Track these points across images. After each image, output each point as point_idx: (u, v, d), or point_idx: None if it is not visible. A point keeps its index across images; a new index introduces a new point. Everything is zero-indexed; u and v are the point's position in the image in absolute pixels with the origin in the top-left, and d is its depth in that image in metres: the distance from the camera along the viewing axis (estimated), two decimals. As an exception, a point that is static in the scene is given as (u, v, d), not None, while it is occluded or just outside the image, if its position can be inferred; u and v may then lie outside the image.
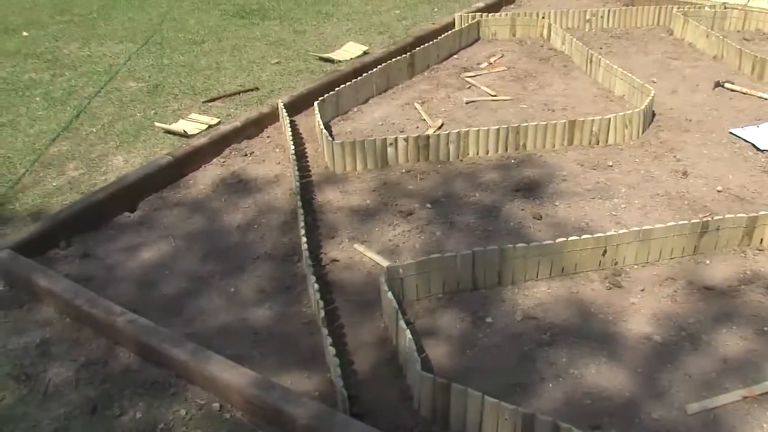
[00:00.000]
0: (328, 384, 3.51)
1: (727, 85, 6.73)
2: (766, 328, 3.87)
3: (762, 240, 4.52)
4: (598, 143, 5.62)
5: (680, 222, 4.32)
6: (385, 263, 4.26)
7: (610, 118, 5.59)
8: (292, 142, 5.44)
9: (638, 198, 4.97)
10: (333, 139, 5.41)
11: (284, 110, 5.88)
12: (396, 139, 5.28)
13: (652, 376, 3.56)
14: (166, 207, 5.03)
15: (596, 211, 4.83)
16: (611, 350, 3.71)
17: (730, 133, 5.87)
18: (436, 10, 8.98)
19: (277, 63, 7.29)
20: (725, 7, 8.51)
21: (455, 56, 7.47)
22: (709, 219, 4.38)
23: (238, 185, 5.24)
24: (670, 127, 5.96)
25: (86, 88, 6.89)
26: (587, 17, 8.25)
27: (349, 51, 7.44)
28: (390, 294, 3.76)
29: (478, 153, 5.45)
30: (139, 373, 3.65)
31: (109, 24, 8.89)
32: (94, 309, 3.86)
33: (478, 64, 7.21)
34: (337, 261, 4.42)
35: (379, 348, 3.76)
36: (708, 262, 4.37)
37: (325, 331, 3.65)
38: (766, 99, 6.49)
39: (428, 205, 4.90)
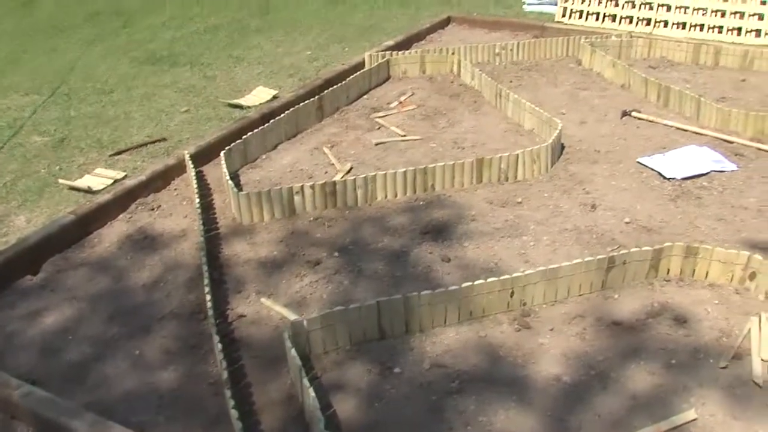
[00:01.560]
0: (234, 448, 3.42)
1: (634, 113, 6.81)
2: (673, 361, 3.89)
3: (669, 271, 4.55)
4: (507, 180, 5.63)
5: (587, 258, 4.33)
6: (292, 316, 4.19)
7: (518, 154, 5.60)
8: (197, 195, 5.35)
9: (547, 234, 4.97)
10: (240, 190, 5.33)
11: (190, 161, 5.79)
12: (302, 187, 5.22)
13: (562, 418, 3.54)
14: (71, 268, 4.88)
15: (505, 250, 4.82)
16: (521, 394, 3.68)
17: (638, 162, 5.93)
18: (347, 49, 8.97)
19: (186, 111, 7.20)
20: (631, 36, 8.66)
21: (365, 96, 7.44)
22: (616, 254, 4.40)
23: (144, 242, 5.12)
24: (579, 159, 6.00)
25: (-12, 144, 6.72)
26: (497, 51, 8.31)
27: (259, 96, 7.38)
28: (294, 351, 3.69)
29: (386, 196, 5.41)
30: (35, 449, 3.52)
31: (16, 73, 8.70)
32: (-11, 383, 3.72)
33: (388, 103, 7.19)
34: (244, 316, 4.33)
35: (287, 405, 3.68)
36: (616, 296, 4.38)
37: (228, 393, 3.56)
38: (671, 126, 6.59)
39: (336, 254, 4.84)
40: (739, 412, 3.56)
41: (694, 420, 3.52)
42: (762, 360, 3.90)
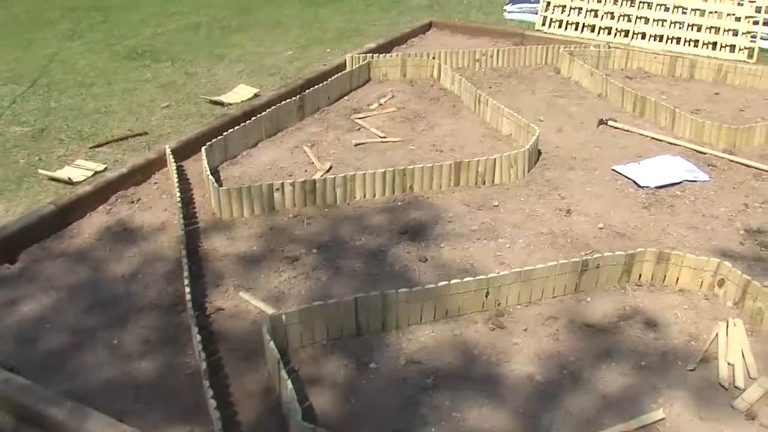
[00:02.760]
0: (211, 437, 3.46)
1: (610, 122, 6.92)
2: (643, 363, 3.98)
3: (640, 276, 4.65)
4: (484, 183, 5.71)
5: (561, 261, 4.41)
6: (270, 311, 4.23)
7: (495, 158, 5.68)
8: (178, 189, 5.38)
9: (522, 237, 5.06)
10: (220, 185, 5.37)
11: (171, 156, 5.81)
12: (282, 185, 5.27)
13: (533, 416, 3.61)
14: (49, 258, 4.89)
15: (481, 251, 4.90)
16: (494, 392, 3.75)
17: (613, 170, 6.03)
18: (328, 50, 9.01)
19: (167, 106, 7.22)
20: (609, 47, 8.78)
21: (346, 98, 7.50)
22: (589, 257, 4.48)
23: (124, 234, 5.14)
24: (555, 165, 6.09)
25: (-33, 134, 6.71)
26: (477, 57, 8.40)
27: (240, 93, 7.41)
28: (272, 343, 3.74)
29: (365, 196, 5.47)
30: (13, 435, 3.54)
31: (-7, 64, 8.68)
32: (-34, 370, 3.73)
33: (369, 105, 7.25)
34: (223, 310, 4.37)
35: (264, 397, 3.72)
36: (589, 299, 4.47)
37: (206, 383, 3.60)
38: (646, 136, 6.70)
39: (314, 251, 4.89)
40: (705, 413, 3.66)
41: (662, 420, 3.61)
42: (728, 363, 3.99)
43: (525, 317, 4.29)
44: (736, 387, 3.85)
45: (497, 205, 5.45)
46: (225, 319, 4.31)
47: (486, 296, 4.26)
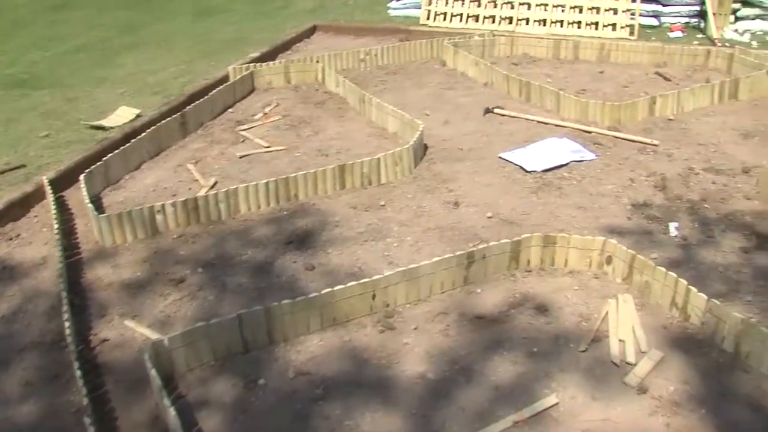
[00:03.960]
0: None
1: (496, 110, 6.94)
2: (535, 349, 3.97)
3: (529, 261, 4.64)
4: (370, 184, 5.65)
5: (447, 256, 4.37)
6: (155, 336, 4.11)
7: (380, 158, 5.63)
8: (56, 221, 5.20)
9: (411, 235, 5.02)
10: (102, 212, 5.22)
11: (49, 187, 5.63)
12: (163, 206, 5.14)
13: (426, 415, 3.57)
14: None
15: (369, 253, 4.84)
16: (386, 395, 3.69)
17: (500, 157, 6.03)
18: (212, 64, 8.86)
19: (47, 136, 6.99)
20: (493, 35, 8.84)
21: (230, 110, 7.37)
22: (475, 249, 4.46)
23: (3, 272, 4.94)
24: (442, 158, 6.08)
25: None
26: (362, 57, 8.36)
27: (121, 116, 7.22)
28: (154, 371, 3.63)
29: (249, 209, 5.36)
30: None
31: None
32: None
33: (253, 115, 7.13)
34: (108, 340, 4.23)
35: (153, 427, 3.60)
36: (479, 291, 4.44)
37: (87, 420, 3.47)
38: (533, 120, 6.74)
39: (200, 270, 4.77)
40: (598, 392, 3.67)
41: (556, 404, 3.59)
42: (619, 340, 4.01)
43: (414, 316, 4.24)
44: (627, 363, 3.87)
45: (384, 205, 5.40)
46: (110, 350, 4.17)
47: (373, 299, 4.20)
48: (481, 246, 4.55)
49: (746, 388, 3.73)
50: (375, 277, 4.20)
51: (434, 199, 5.46)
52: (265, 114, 7.12)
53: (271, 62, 8.12)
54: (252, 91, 7.78)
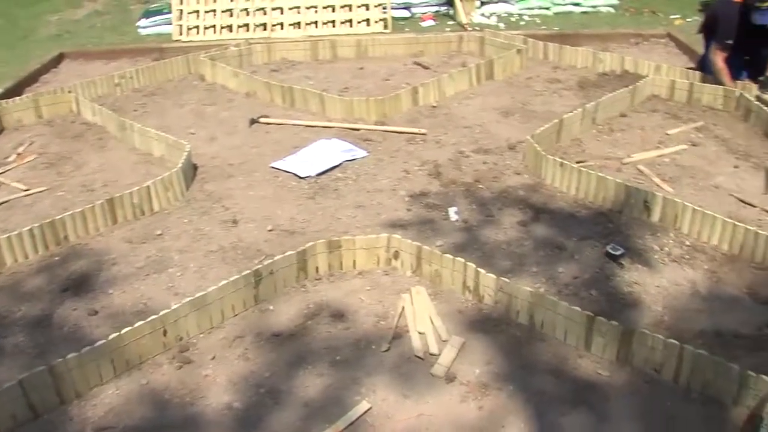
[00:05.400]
0: None
1: (262, 119, 6.85)
2: (338, 358, 3.94)
3: (317, 269, 4.60)
4: (143, 214, 5.39)
5: (233, 278, 4.25)
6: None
7: (149, 185, 5.39)
8: None
9: (193, 261, 4.83)
10: None
11: None
12: None
13: (238, 448, 3.44)
14: None
15: (152, 288, 4.60)
16: (194, 433, 3.53)
17: (272, 167, 5.95)
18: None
19: None
20: (249, 44, 8.74)
21: (-22, 157, 6.84)
22: (261, 266, 4.36)
23: None
24: (214, 176, 5.91)
25: None
26: (116, 81, 7.99)
27: None
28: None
29: (16, 260, 4.94)
30: None
31: None
32: None
33: (6, 158, 6.56)
34: None
35: None
36: (272, 308, 4.35)
37: None
38: (300, 125, 6.70)
39: (-32, 337, 4.39)
40: (407, 389, 3.68)
41: (369, 409, 3.57)
42: (419, 333, 4.04)
43: (210, 345, 4.07)
44: (431, 354, 3.91)
45: (161, 234, 5.16)
46: None
47: (164, 335, 4.00)
48: (266, 261, 4.45)
49: (545, 356, 3.88)
50: (163, 312, 3.99)
51: (211, 220, 5.29)
52: (19, 155, 6.61)
53: (17, 98, 7.58)
54: (1, 130, 7.21)
